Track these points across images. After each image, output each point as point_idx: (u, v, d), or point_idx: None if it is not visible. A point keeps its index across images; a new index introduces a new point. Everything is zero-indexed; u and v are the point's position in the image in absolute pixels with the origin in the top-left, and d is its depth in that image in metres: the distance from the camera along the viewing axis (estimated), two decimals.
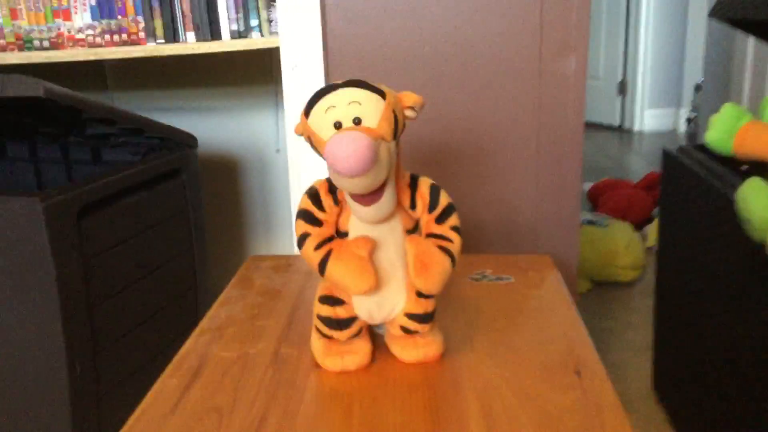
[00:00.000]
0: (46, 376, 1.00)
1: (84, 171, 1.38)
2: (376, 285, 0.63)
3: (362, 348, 0.68)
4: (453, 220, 0.65)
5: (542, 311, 0.78)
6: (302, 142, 1.07)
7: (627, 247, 1.86)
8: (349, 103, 0.57)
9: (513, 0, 0.97)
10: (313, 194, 0.64)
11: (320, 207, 0.63)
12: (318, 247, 0.63)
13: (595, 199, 2.48)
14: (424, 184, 0.64)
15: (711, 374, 0.98)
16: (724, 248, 0.92)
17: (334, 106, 0.57)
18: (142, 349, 1.17)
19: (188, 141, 1.28)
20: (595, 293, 1.84)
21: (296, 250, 1.13)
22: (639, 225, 2.27)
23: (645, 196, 2.36)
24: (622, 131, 4.01)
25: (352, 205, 0.60)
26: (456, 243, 0.64)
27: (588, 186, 2.65)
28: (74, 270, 1.00)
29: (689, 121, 3.47)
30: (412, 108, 0.61)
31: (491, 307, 0.80)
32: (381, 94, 0.58)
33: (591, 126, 4.20)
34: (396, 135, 0.59)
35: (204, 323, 0.79)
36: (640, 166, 3.18)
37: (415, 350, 0.68)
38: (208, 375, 0.68)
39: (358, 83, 0.58)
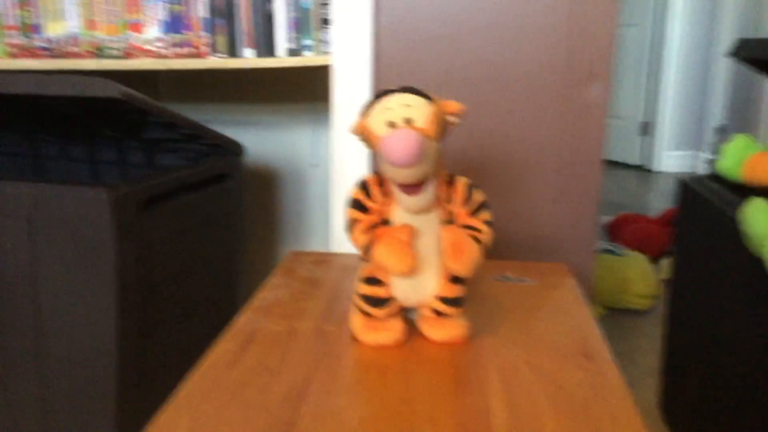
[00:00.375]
0: (97, 353, 1.09)
1: (138, 174, 1.49)
2: (416, 267, 0.72)
3: (397, 326, 0.77)
4: (485, 214, 0.74)
5: (558, 308, 0.87)
6: (343, 158, 1.17)
7: (642, 276, 1.93)
8: (402, 105, 0.66)
9: (544, 29, 1.07)
10: (363, 186, 0.73)
11: (369, 197, 0.73)
12: (365, 231, 0.72)
13: (614, 233, 2.55)
14: (461, 181, 0.74)
15: (716, 396, 1.05)
16: (734, 272, 0.99)
17: (388, 108, 0.67)
18: (184, 337, 1.26)
19: (236, 149, 1.39)
20: (609, 318, 1.90)
21: (331, 250, 1.22)
22: (655, 258, 2.34)
23: (662, 231, 2.43)
24: (643, 171, 4.09)
25: (399, 195, 0.69)
26: (486, 234, 0.73)
27: (607, 220, 2.72)
28: (132, 259, 1.09)
29: (710, 163, 3.54)
30: (454, 115, 0.70)
31: (512, 302, 0.89)
32: (429, 99, 0.68)
33: (612, 164, 4.29)
34: (440, 136, 0.69)
35: (254, 303, 0.89)
36: (659, 204, 3.25)
37: (444, 331, 0.76)
38: (260, 342, 0.77)
39: (410, 89, 0.68)
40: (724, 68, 3.57)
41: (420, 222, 0.72)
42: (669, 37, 3.87)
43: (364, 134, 0.70)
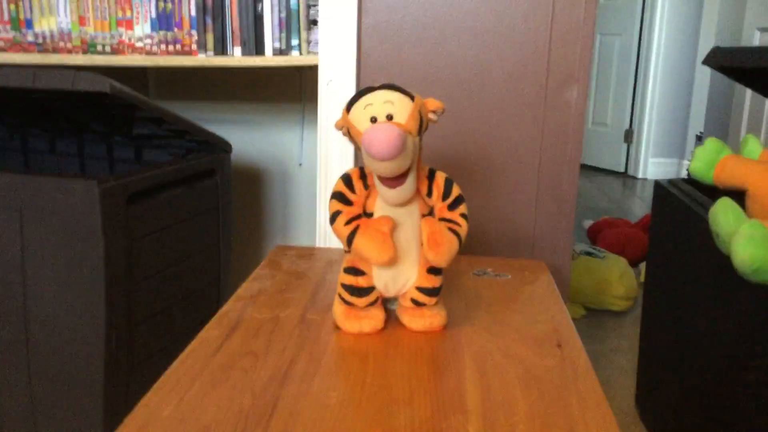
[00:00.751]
0: (85, 343, 1.10)
1: (126, 169, 1.51)
2: (395, 257, 0.75)
3: (377, 315, 0.79)
4: (462, 208, 0.77)
5: (533, 301, 0.90)
6: (328, 156, 1.19)
7: (621, 278, 1.97)
8: (384, 102, 0.69)
9: (524, 33, 1.11)
10: (346, 179, 0.76)
11: (352, 190, 0.76)
12: (348, 223, 0.75)
13: (594, 236, 2.60)
14: (440, 176, 0.77)
15: (688, 393, 1.08)
16: (703, 271, 1.02)
17: (371, 104, 0.70)
18: (170, 329, 1.28)
19: (224, 146, 1.41)
20: (588, 319, 1.94)
21: (316, 245, 1.25)
22: (634, 262, 2.38)
23: (642, 235, 2.47)
24: (626, 177, 4.15)
25: (380, 187, 0.72)
26: (463, 227, 0.76)
27: (588, 224, 2.76)
28: (120, 250, 1.11)
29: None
30: (434, 112, 0.73)
31: (490, 295, 0.92)
32: (410, 96, 0.71)
33: (597, 170, 4.34)
34: (420, 132, 0.72)
35: (239, 293, 0.91)
36: (641, 209, 3.30)
37: (422, 320, 0.79)
38: (245, 329, 0.80)
39: (392, 87, 0.71)
40: (707, 77, 3.63)
41: (400, 214, 0.75)
42: (654, 46, 3.93)
43: (348, 129, 0.73)
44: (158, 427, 0.60)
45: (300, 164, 1.77)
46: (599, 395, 0.66)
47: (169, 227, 1.25)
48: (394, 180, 0.71)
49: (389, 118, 0.69)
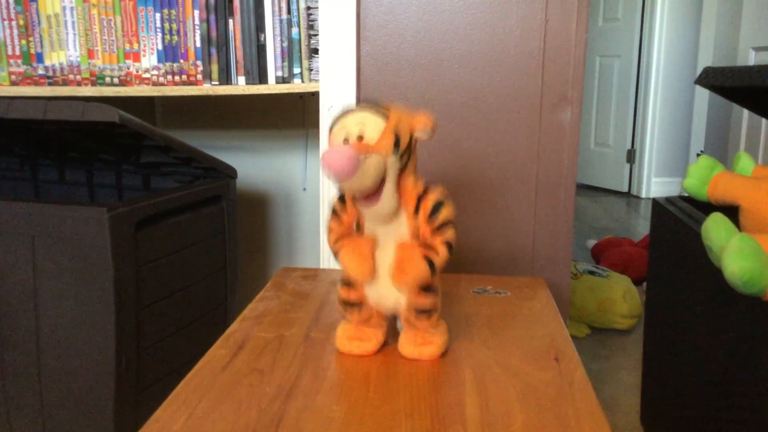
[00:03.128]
0: (95, 366, 1.13)
1: (134, 196, 1.55)
2: (373, 274, 0.76)
3: (374, 336, 0.81)
4: (448, 234, 0.76)
5: (532, 316, 0.92)
6: (331, 180, 1.23)
7: (624, 296, 1.98)
8: (356, 123, 0.72)
9: (517, 58, 1.14)
10: (341, 198, 0.79)
11: (344, 206, 0.79)
12: (338, 239, 0.78)
13: (598, 256, 2.61)
14: (431, 197, 0.76)
15: (691, 408, 1.09)
16: (701, 286, 1.04)
17: (344, 126, 0.73)
18: (178, 351, 1.30)
19: (229, 172, 1.45)
20: (593, 338, 1.95)
21: (320, 266, 1.27)
22: (638, 281, 2.39)
23: (645, 253, 2.49)
24: (630, 197, 4.17)
25: (358, 204, 0.75)
26: (441, 255, 0.75)
27: (592, 243, 2.78)
28: (129, 275, 1.14)
29: None
30: (421, 130, 0.75)
31: (489, 312, 0.94)
32: (384, 116, 0.73)
33: (600, 191, 4.36)
34: (399, 150, 0.72)
35: (245, 313, 0.94)
36: (645, 229, 3.32)
37: (413, 348, 0.79)
38: (251, 348, 0.82)
39: (366, 107, 0.73)
40: (706, 96, 3.66)
41: (386, 233, 0.77)
42: (653, 67, 3.98)
43: None
44: None
45: (304, 189, 1.81)
46: (595, 406, 0.68)
47: (176, 252, 1.28)
48: (366, 199, 0.73)
49: (360, 139, 0.71)
